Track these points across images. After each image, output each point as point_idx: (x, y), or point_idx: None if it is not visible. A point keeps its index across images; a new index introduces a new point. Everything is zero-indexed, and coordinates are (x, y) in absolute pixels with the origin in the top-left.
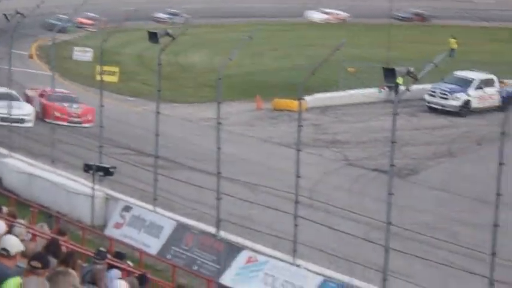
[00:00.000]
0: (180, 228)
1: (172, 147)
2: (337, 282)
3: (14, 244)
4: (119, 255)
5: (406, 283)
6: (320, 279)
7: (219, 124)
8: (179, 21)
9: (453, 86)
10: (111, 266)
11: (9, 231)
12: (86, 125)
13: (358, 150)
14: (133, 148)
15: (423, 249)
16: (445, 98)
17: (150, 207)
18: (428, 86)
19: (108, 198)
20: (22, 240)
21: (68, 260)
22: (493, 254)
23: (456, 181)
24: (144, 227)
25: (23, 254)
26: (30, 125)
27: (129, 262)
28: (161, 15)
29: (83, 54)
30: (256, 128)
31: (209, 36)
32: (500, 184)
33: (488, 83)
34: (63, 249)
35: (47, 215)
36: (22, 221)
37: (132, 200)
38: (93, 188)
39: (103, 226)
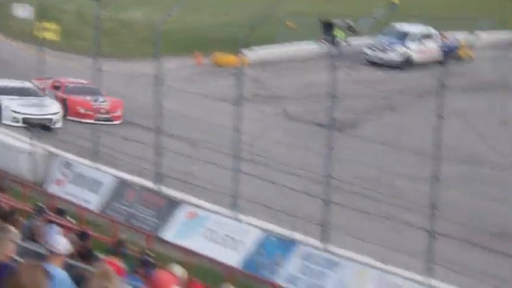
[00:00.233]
0: (121, 184)
1: None
2: (278, 236)
3: None
4: (59, 212)
5: (347, 236)
6: (261, 233)
7: (158, 80)
8: None
9: (392, 39)
10: (51, 222)
11: None
12: (116, 122)
13: (298, 105)
14: None
15: (364, 203)
16: (384, 52)
17: (91, 163)
18: (368, 40)
19: (48, 155)
20: None
21: (7, 216)
22: (433, 206)
23: (396, 134)
24: (85, 183)
25: None
26: (59, 125)
27: (69, 218)
28: None
29: (23, 10)
30: (196, 83)
31: None
32: (440, 137)
33: (428, 36)
34: (3, 205)
35: None
36: None
37: (72, 157)
38: (32, 144)
39: (44, 183)
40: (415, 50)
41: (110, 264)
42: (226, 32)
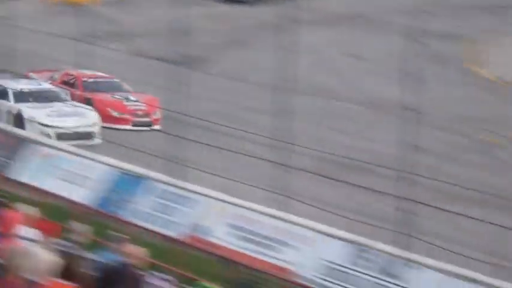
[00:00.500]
0: None
1: None
2: (130, 174)
3: None
4: None
5: (200, 172)
6: (116, 172)
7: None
8: None
9: None
10: None
11: None
12: (156, 127)
13: (144, 41)
14: None
15: (217, 138)
16: None
17: None
18: None
19: None
20: None
21: None
22: (291, 143)
23: (246, 69)
24: None
25: None
26: (98, 141)
27: None
28: None
29: None
30: (44, 22)
31: None
32: (294, 71)
33: None
34: None
35: None
36: None
37: None
38: None
39: None
40: None
41: None
42: None
